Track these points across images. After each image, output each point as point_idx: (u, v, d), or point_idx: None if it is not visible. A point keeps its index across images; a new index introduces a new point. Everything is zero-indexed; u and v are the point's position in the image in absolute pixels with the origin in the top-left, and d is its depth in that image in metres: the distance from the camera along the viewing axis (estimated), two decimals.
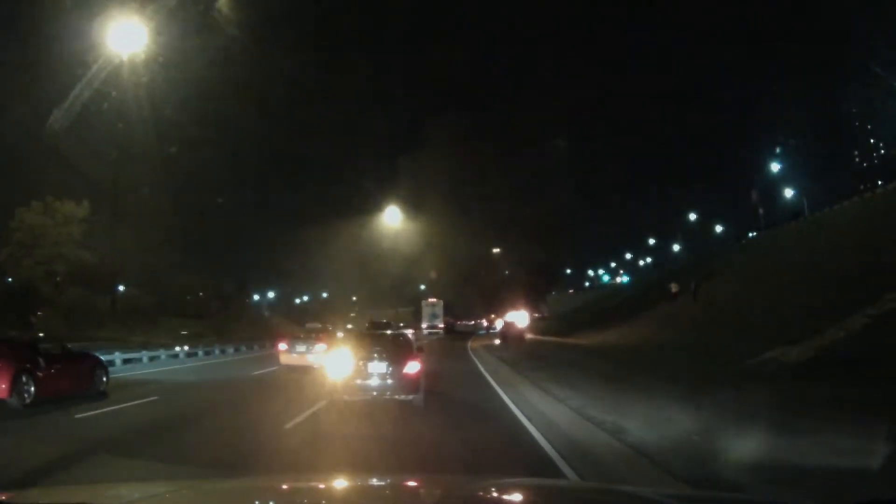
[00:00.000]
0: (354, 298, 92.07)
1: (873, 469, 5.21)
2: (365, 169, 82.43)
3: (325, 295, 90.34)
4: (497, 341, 39.52)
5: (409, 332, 58.28)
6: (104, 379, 14.19)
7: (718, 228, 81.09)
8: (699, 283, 33.31)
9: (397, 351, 12.18)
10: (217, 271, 69.08)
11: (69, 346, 14.66)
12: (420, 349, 13.68)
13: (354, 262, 62.60)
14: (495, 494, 3.27)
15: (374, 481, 4.04)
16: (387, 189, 57.86)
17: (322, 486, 3.64)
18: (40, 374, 11.97)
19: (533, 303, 59.11)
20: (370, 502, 3.33)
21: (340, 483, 3.79)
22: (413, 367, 11.69)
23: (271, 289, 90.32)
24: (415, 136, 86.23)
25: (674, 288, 37.16)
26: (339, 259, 61.73)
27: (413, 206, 56.98)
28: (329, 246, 59.79)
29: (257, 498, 3.29)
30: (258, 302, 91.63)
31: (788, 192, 59.98)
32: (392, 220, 57.91)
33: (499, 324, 53.88)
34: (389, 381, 11.56)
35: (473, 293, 72.06)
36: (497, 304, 65.67)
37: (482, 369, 20.55)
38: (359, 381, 11.59)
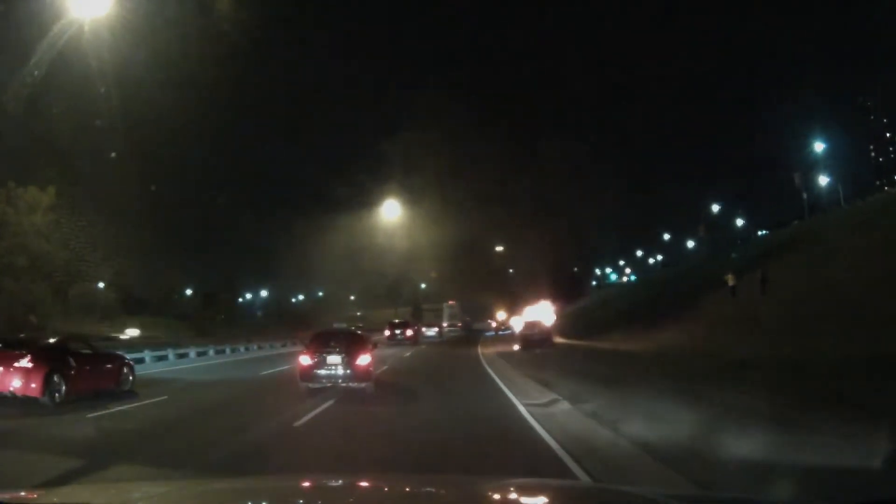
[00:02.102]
0: (353, 298, 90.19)
1: None
2: (362, 161, 78.20)
3: (320, 294, 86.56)
4: (516, 347, 31.41)
5: (434, 330, 55.63)
6: (130, 378, 14.65)
7: (739, 222, 76.86)
8: (766, 273, 27.92)
9: (352, 346, 13.99)
10: (206, 270, 65.69)
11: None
12: (375, 345, 16.23)
13: (351, 260, 58.63)
14: (497, 495, 3.23)
15: (378, 482, 3.74)
16: (385, 182, 52.87)
17: (323, 486, 3.55)
18: (71, 373, 12.47)
19: (565, 298, 50.81)
20: (374, 502, 3.28)
21: (342, 483, 3.62)
22: (364, 360, 13.62)
23: (264, 288, 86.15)
24: (416, 125, 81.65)
25: (730, 280, 31.51)
26: (335, 257, 57.57)
27: (413, 200, 52.18)
28: (324, 243, 55.03)
29: (257, 498, 3.23)
30: (251, 301, 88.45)
31: (824, 180, 55.72)
32: (390, 215, 53.03)
33: (516, 323, 44.83)
34: (345, 371, 13.38)
35: (481, 292, 69.15)
36: (510, 304, 61.86)
37: (528, 417, 10.12)
38: (318, 371, 13.47)
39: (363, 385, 13.52)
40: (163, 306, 59.87)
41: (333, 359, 13.47)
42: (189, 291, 74.21)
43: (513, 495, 3.24)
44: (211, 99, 51.44)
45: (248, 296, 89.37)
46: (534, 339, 30.62)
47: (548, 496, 3.25)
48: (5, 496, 2.63)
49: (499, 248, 65.37)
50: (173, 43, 30.77)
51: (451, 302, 70.33)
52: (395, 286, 79.28)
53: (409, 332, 44.02)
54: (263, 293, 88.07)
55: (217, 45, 35.57)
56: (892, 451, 5.38)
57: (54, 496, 3.14)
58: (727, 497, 4.07)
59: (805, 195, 51.53)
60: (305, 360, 13.65)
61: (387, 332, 44.16)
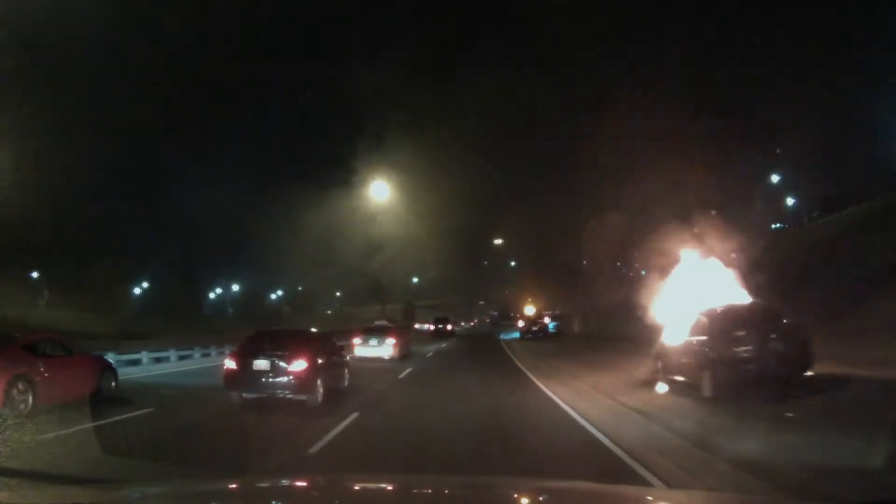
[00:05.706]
0: (339, 294, 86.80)
1: None
2: (344, 133, 68.57)
3: (300, 289, 79.55)
4: (663, 388, 12.63)
5: (471, 324, 62.44)
6: (112, 383, 13.10)
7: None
8: None
9: (289, 349, 11.92)
10: (166, 260, 58.58)
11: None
12: (343, 347, 15.76)
13: (333, 252, 50.81)
14: (498, 494, 3.24)
15: (382, 483, 3.60)
16: (373, 158, 42.06)
17: (323, 487, 3.48)
18: (39, 379, 10.82)
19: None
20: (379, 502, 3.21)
21: (347, 483, 3.56)
22: (300, 366, 11.50)
23: (235, 283, 77.51)
24: (411, 76, 68.38)
25: None
26: (316, 249, 49.06)
27: (403, 181, 41.56)
28: (304, 233, 46.53)
29: (258, 498, 3.23)
30: (221, 297, 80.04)
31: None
32: (378, 197, 42.17)
33: (672, 317, 15.55)
34: (280, 379, 11.50)
35: (492, 285, 64.25)
36: (542, 294, 57.03)
37: None
38: (244, 379, 11.71)
39: (304, 397, 11.45)
40: (103, 300, 51.89)
41: (261, 364, 11.57)
42: (146, 285, 67.33)
43: (507, 495, 3.21)
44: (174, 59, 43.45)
45: (219, 290, 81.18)
46: (764, 363, 10.47)
47: (547, 498, 3.16)
48: (5, 497, 2.82)
49: (497, 242, 59.80)
50: None
51: (481, 302, 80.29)
52: (384, 281, 72.02)
53: (450, 327, 53.44)
54: (235, 288, 79.42)
55: None
56: None
57: (53, 496, 3.15)
58: (727, 497, 4.08)
59: None
60: (230, 364, 12.00)
61: (431, 327, 54.26)
